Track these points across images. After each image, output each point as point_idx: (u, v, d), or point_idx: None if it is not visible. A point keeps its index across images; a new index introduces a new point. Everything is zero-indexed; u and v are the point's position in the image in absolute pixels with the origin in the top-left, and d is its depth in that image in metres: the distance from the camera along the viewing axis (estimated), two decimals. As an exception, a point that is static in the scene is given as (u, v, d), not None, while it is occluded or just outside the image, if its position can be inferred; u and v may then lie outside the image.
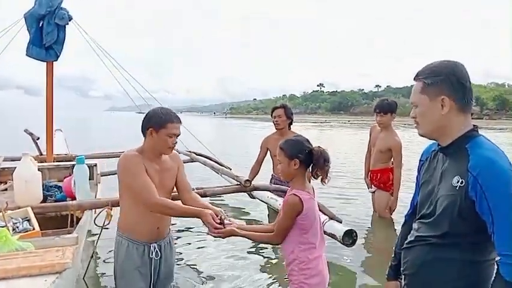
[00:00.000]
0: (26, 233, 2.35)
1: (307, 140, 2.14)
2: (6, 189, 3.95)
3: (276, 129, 4.58)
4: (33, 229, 2.40)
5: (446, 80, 1.47)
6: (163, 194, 2.27)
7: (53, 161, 5.01)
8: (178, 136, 2.36)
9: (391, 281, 1.85)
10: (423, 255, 1.56)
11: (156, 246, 2.36)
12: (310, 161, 2.06)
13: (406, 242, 1.67)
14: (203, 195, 3.64)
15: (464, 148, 1.45)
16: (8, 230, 2.20)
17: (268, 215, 5.12)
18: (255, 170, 4.66)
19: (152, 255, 2.33)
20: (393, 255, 1.85)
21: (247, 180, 3.80)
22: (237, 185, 3.89)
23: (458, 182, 1.42)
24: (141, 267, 2.31)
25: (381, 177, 4.64)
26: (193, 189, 3.66)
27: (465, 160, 1.42)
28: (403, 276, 1.70)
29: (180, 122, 2.37)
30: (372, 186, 4.80)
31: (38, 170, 3.48)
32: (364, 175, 5.01)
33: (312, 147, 2.09)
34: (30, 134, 6.03)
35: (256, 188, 4.05)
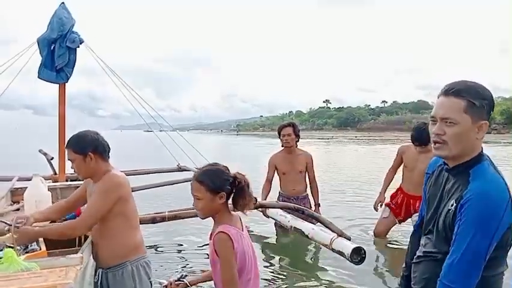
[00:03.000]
0: (33, 253, 2.39)
1: (227, 167, 1.93)
2: (18, 209, 4.04)
3: (285, 147, 4.62)
4: (40, 249, 2.44)
5: (490, 105, 1.44)
6: None
7: (66, 180, 5.11)
8: (72, 162, 2.32)
9: None
10: (430, 270, 1.58)
11: (100, 272, 2.35)
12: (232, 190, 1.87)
13: (415, 256, 1.70)
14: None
15: (468, 173, 1.46)
16: (16, 250, 2.24)
17: (276, 231, 5.13)
18: (267, 190, 4.71)
19: (96, 278, 2.37)
20: (404, 266, 1.86)
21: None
22: (243, 202, 3.90)
23: (452, 205, 1.46)
24: (91, 285, 2.38)
25: None
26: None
27: (464, 186, 1.44)
28: None
29: (67, 147, 2.33)
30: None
31: (50, 189, 3.55)
32: (382, 190, 4.71)
33: (233, 174, 1.89)
34: (45, 154, 6.20)
35: (262, 206, 4.06)
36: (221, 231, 1.81)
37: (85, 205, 3.25)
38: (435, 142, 1.49)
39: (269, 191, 4.73)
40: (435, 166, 1.67)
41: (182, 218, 3.66)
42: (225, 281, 1.81)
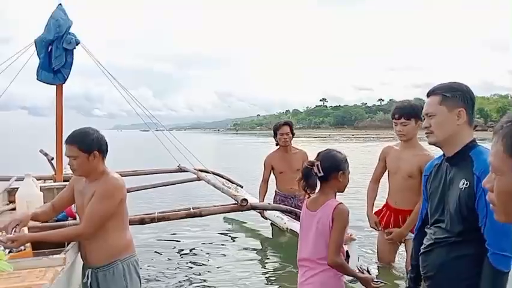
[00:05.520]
0: (18, 253, 2.40)
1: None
2: (14, 209, 4.07)
3: (282, 146, 4.61)
4: (25, 249, 2.44)
5: (464, 95, 1.70)
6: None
7: (64, 181, 5.13)
8: (72, 159, 2.26)
9: None
10: (442, 256, 1.68)
11: (89, 272, 2.34)
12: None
13: (423, 247, 1.79)
14: (199, 215, 3.66)
15: (468, 156, 1.65)
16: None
17: (272, 232, 5.15)
18: (264, 190, 4.73)
19: (85, 279, 2.37)
20: (410, 268, 1.97)
21: (244, 199, 3.80)
22: (234, 204, 3.89)
23: (464, 184, 1.61)
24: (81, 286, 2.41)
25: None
26: (190, 209, 3.73)
27: (470, 165, 1.62)
28: (423, 279, 1.82)
29: (69, 143, 2.26)
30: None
31: (47, 190, 3.57)
32: (367, 209, 3.60)
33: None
34: (45, 155, 6.22)
35: (254, 207, 4.06)
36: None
37: (73, 205, 3.29)
38: (426, 134, 1.79)
39: (265, 192, 4.73)
40: (432, 166, 1.86)
41: (172, 220, 3.66)
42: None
